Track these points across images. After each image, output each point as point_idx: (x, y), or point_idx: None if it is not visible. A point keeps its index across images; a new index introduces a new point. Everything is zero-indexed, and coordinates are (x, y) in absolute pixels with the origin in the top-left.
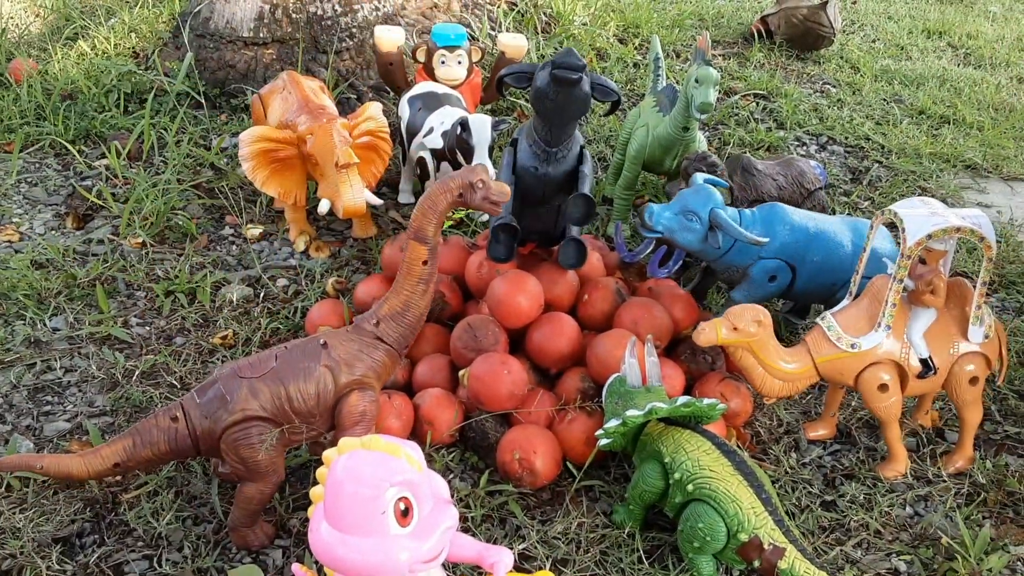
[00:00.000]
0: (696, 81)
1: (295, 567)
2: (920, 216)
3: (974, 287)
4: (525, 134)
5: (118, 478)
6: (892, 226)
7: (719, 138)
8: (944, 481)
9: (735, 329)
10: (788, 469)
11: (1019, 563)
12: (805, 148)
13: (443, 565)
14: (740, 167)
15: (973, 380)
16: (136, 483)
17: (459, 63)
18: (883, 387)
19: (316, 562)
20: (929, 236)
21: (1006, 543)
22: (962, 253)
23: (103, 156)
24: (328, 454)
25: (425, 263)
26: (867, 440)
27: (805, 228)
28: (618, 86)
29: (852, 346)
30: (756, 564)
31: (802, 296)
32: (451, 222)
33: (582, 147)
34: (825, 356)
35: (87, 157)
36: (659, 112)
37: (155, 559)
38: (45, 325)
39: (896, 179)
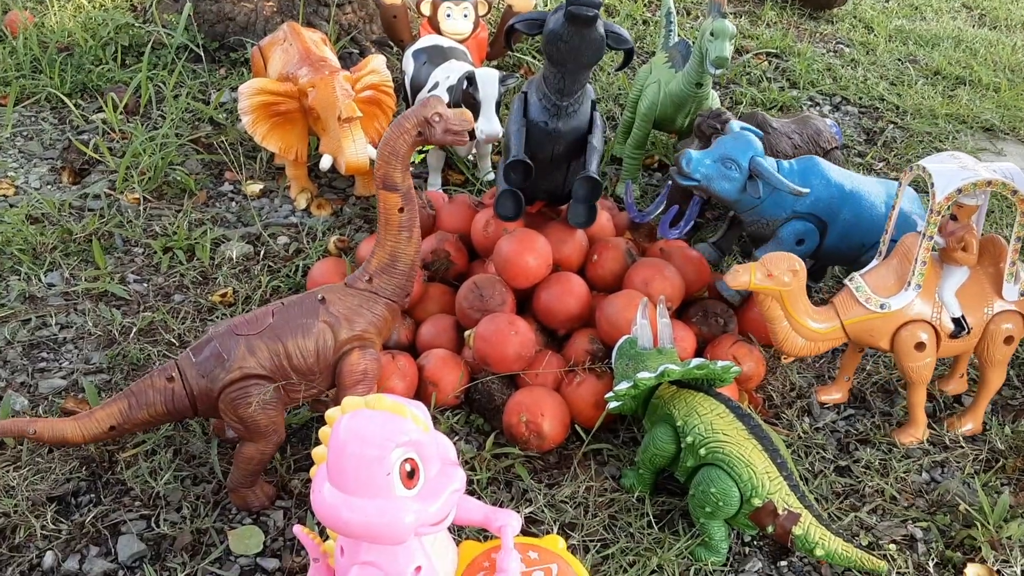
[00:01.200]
0: (711, 35)
1: (296, 528)
2: (949, 170)
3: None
4: (535, 87)
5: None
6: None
7: (731, 97)
8: (961, 447)
9: (770, 276)
10: (801, 434)
11: None
12: (818, 108)
13: (449, 528)
14: (755, 125)
15: (1008, 339)
16: (133, 442)
17: (465, 16)
18: (920, 345)
19: (318, 523)
20: (959, 190)
21: None
22: (992, 219)
23: (100, 110)
24: (331, 413)
25: (402, 210)
26: (882, 405)
27: (841, 185)
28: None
29: (881, 306)
30: (770, 529)
31: (830, 255)
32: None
33: (594, 103)
34: (854, 318)
35: (83, 111)
36: (671, 68)
37: (153, 519)
38: (40, 280)
39: (912, 140)
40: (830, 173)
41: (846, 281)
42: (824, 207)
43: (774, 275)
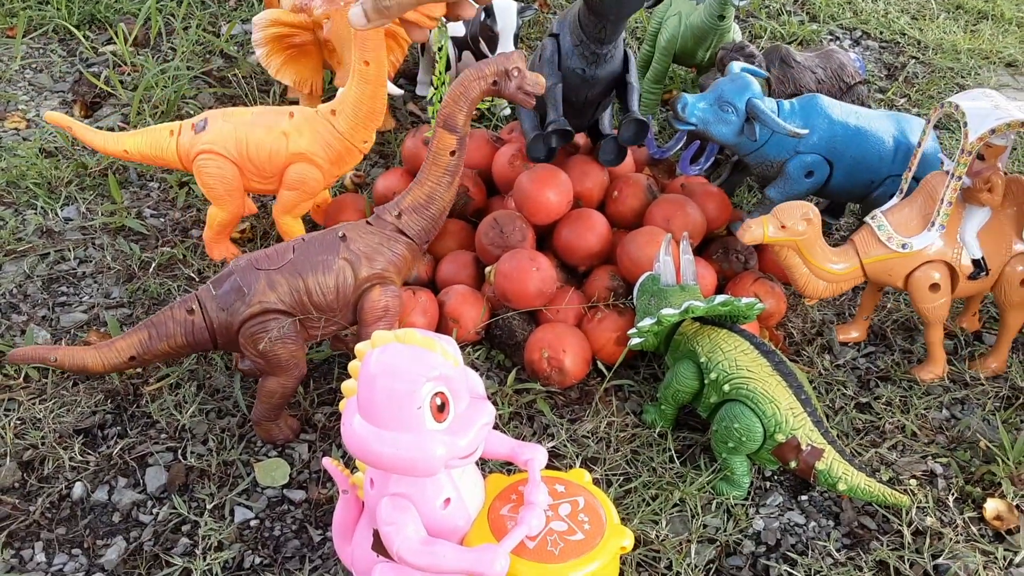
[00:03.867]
0: None
1: (325, 461)
2: (983, 109)
3: None
4: (569, 31)
5: (138, 370)
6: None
7: (749, 31)
8: (982, 384)
9: (783, 227)
10: (822, 371)
11: None
12: (838, 42)
13: (476, 462)
14: (778, 58)
15: None
16: (157, 376)
17: None
18: (935, 287)
19: (343, 456)
20: (992, 131)
21: None
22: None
23: (109, 42)
24: (361, 347)
25: (453, 153)
26: (903, 342)
27: (845, 123)
28: None
29: (903, 246)
30: (792, 465)
31: (838, 193)
32: (487, 106)
33: (625, 42)
34: (874, 257)
35: (92, 42)
36: (692, 0)
37: (179, 451)
38: (57, 215)
39: (934, 76)
40: (833, 111)
41: (867, 219)
42: (829, 146)
43: (787, 226)
